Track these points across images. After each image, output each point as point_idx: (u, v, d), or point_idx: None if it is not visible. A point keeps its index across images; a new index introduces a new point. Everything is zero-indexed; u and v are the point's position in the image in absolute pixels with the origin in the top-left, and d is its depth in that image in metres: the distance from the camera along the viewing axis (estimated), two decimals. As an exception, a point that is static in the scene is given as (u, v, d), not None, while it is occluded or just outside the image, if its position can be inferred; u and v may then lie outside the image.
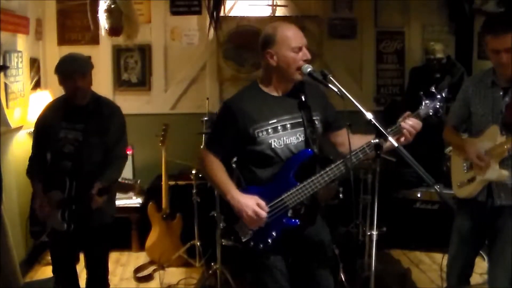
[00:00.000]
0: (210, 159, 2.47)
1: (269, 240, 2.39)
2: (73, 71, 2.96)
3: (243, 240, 2.42)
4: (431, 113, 2.40)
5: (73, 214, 3.00)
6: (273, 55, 2.39)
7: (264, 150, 2.39)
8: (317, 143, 2.46)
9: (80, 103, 3.04)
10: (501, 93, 2.84)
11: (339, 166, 2.35)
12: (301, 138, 2.43)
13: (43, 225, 3.07)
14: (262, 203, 2.36)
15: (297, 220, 2.40)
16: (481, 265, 3.86)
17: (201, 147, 4.04)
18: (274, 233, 2.39)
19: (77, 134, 3.02)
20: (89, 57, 3.15)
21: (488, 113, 2.87)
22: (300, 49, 2.38)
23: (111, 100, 3.30)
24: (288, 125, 2.42)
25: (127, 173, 4.83)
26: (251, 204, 2.34)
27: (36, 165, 3.15)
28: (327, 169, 2.36)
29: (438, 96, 2.43)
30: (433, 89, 2.44)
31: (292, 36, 2.38)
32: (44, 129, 3.11)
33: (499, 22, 2.79)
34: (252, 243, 2.41)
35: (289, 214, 2.40)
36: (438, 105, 2.40)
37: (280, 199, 2.37)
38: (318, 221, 2.55)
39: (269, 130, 2.39)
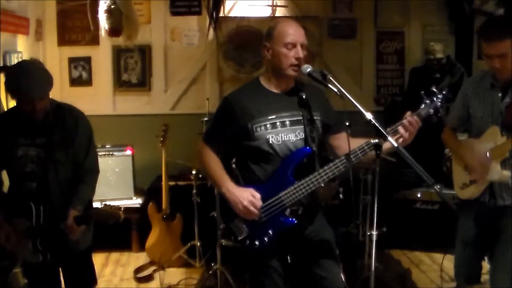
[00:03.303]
0: (208, 152, 2.48)
1: (265, 239, 2.38)
2: (31, 97, 2.54)
3: (239, 238, 2.42)
4: (431, 113, 2.38)
5: (46, 242, 2.60)
6: (269, 49, 2.41)
7: (261, 145, 2.38)
8: (317, 142, 2.45)
9: (39, 117, 2.65)
10: (500, 94, 2.83)
11: (337, 165, 2.33)
12: (300, 136, 2.42)
13: (12, 257, 2.67)
14: (257, 194, 2.36)
15: (294, 219, 2.38)
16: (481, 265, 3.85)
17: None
18: (270, 232, 2.38)
19: (38, 151, 2.65)
20: (49, 75, 2.63)
21: (488, 114, 2.86)
22: (293, 46, 2.36)
23: (72, 105, 2.83)
24: (287, 122, 2.41)
25: (127, 173, 4.88)
26: (246, 195, 2.34)
27: None
28: (326, 167, 2.34)
29: (439, 95, 2.43)
30: (434, 89, 2.44)
31: (288, 32, 2.37)
32: None
33: (492, 29, 2.76)
34: (248, 242, 2.40)
35: (286, 213, 2.39)
36: (438, 104, 2.39)
37: (277, 197, 2.37)
38: (319, 221, 2.53)
39: (268, 126, 2.39)
